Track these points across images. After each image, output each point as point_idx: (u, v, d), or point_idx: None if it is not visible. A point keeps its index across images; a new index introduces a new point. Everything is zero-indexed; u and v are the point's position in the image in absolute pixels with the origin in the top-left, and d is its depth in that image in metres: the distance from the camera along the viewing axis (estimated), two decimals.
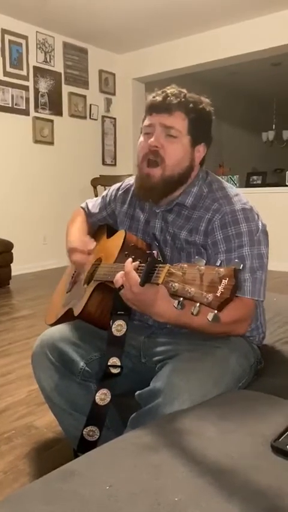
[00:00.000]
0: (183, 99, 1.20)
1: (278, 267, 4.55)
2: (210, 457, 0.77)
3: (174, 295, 0.82)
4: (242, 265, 0.76)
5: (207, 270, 0.77)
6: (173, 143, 1.21)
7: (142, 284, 0.97)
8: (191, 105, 1.21)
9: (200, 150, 1.26)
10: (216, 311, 0.74)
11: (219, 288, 0.74)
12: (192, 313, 0.76)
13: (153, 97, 1.24)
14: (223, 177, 5.42)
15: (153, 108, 1.23)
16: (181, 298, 0.80)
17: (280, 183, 5.87)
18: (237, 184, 5.63)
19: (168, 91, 1.22)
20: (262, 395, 1.03)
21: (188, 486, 0.69)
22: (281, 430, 0.82)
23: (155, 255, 1.13)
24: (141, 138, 1.27)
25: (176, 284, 0.81)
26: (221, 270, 0.75)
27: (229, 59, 5.26)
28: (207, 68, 5.60)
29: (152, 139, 1.21)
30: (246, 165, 7.58)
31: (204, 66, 5.55)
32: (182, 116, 1.20)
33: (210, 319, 0.74)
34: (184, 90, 1.24)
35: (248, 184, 6.16)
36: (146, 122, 1.25)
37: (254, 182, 6.16)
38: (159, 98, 1.22)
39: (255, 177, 6.25)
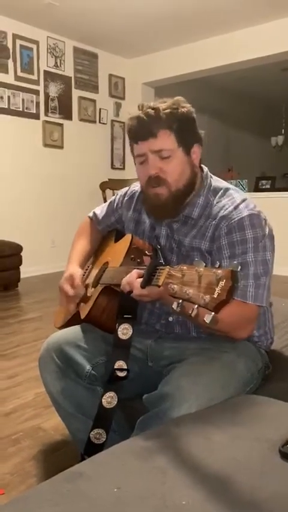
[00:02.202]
0: (161, 115, 1.16)
1: (286, 272, 4.53)
2: (217, 461, 0.77)
3: (173, 296, 0.82)
4: (239, 268, 0.76)
5: (206, 271, 0.77)
6: (170, 163, 1.19)
7: (143, 286, 0.99)
8: (170, 116, 1.17)
9: (196, 152, 1.25)
10: (213, 313, 0.74)
11: (216, 289, 0.73)
12: (190, 315, 0.76)
13: (131, 125, 1.22)
14: (232, 181, 5.41)
15: (137, 137, 1.21)
16: (180, 300, 0.81)
17: None
18: (246, 189, 5.62)
19: (142, 114, 1.18)
20: (270, 400, 1.03)
21: (196, 490, 0.69)
22: None
23: (157, 256, 1.14)
24: (137, 167, 1.26)
25: (175, 286, 0.81)
26: (219, 271, 0.75)
27: (239, 63, 5.26)
28: (216, 72, 5.61)
29: (148, 168, 1.20)
30: (255, 169, 7.56)
31: (214, 71, 5.56)
32: (167, 133, 1.17)
33: (208, 321, 0.74)
34: (157, 104, 1.19)
35: (257, 189, 6.15)
36: (136, 151, 1.24)
37: (263, 187, 6.15)
38: (137, 125, 1.19)
39: (264, 182, 6.24)
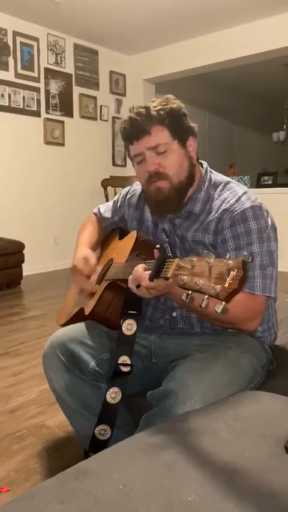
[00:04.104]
0: (151, 113, 1.18)
1: None
2: (223, 457, 0.77)
3: (183, 287, 0.82)
4: (251, 258, 0.76)
5: (216, 262, 0.77)
6: (167, 157, 1.20)
7: (151, 279, 0.98)
8: (161, 112, 1.18)
9: (192, 144, 1.26)
10: (224, 302, 0.74)
11: (228, 279, 0.74)
12: (200, 306, 0.76)
13: (124, 127, 1.24)
14: (234, 177, 5.39)
15: (131, 137, 1.22)
16: (190, 291, 0.81)
17: None
18: (248, 185, 5.60)
19: (133, 114, 1.20)
20: (274, 395, 1.02)
21: (202, 486, 0.69)
22: None
23: (165, 250, 1.14)
24: (136, 168, 1.27)
25: (185, 277, 0.81)
26: (230, 262, 0.75)
27: (240, 59, 5.24)
28: (217, 68, 5.58)
29: (146, 166, 1.21)
30: (257, 165, 7.54)
31: (215, 67, 5.53)
32: (160, 128, 1.19)
33: (219, 311, 0.74)
34: (146, 104, 1.21)
35: (259, 185, 6.13)
36: (133, 152, 1.24)
37: (265, 182, 6.14)
38: (130, 125, 1.21)
39: (266, 178, 6.22)
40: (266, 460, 0.76)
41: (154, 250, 1.04)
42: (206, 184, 1.27)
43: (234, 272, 0.74)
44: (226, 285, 0.74)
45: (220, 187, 1.26)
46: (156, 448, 0.80)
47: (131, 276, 1.08)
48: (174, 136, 1.20)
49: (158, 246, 1.02)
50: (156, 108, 1.19)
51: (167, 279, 0.91)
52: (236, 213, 1.18)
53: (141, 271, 1.04)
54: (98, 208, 1.62)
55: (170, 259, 0.92)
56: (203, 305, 0.76)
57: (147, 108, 1.19)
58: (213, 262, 0.77)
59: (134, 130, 1.21)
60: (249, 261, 0.75)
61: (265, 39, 4.90)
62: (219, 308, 0.75)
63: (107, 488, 0.70)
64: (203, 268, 0.79)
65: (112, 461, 0.79)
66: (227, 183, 1.28)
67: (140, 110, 1.19)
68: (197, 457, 0.76)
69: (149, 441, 0.83)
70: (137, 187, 1.46)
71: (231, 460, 0.75)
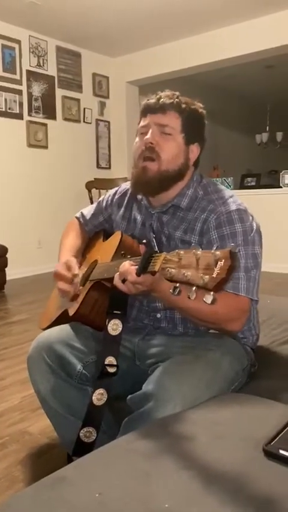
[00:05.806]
0: (176, 100, 1.25)
1: (271, 268, 4.55)
2: (201, 462, 0.76)
3: (170, 280, 0.82)
4: (238, 249, 0.75)
5: (204, 253, 0.77)
6: (168, 140, 1.24)
7: (138, 273, 0.96)
8: (183, 105, 1.25)
9: (194, 150, 1.29)
10: (212, 292, 0.74)
11: (215, 269, 0.73)
12: (189, 297, 0.76)
13: (148, 100, 1.28)
14: (217, 179, 5.42)
15: (147, 110, 1.27)
16: (177, 284, 0.80)
17: (274, 185, 5.88)
18: (232, 186, 5.63)
19: (162, 93, 1.27)
20: (254, 398, 1.02)
21: (179, 492, 0.68)
22: (273, 433, 0.82)
23: (151, 245, 1.12)
24: (137, 139, 1.30)
25: (173, 270, 0.81)
26: (217, 252, 0.74)
27: (223, 61, 5.26)
28: (201, 70, 5.60)
29: (147, 136, 1.24)
30: (241, 167, 7.58)
31: (198, 69, 5.55)
32: (175, 115, 1.24)
33: (208, 302, 0.74)
34: (177, 93, 1.28)
35: (242, 186, 6.17)
36: (141, 123, 1.28)
37: (249, 184, 6.18)
38: (153, 100, 1.26)
39: (249, 179, 6.26)
40: (245, 464, 0.76)
41: (140, 245, 1.03)
42: (195, 183, 1.29)
43: (222, 262, 0.73)
44: (214, 275, 0.73)
45: (208, 188, 1.28)
46: (134, 455, 0.79)
47: (119, 270, 1.07)
48: (184, 131, 1.25)
49: (144, 241, 1.01)
50: (182, 101, 1.26)
51: (154, 273, 0.90)
52: (222, 215, 1.19)
53: (127, 266, 1.03)
54: (81, 212, 1.60)
55: (156, 254, 0.91)
56: (192, 297, 0.76)
57: (176, 95, 1.27)
58: (201, 254, 0.77)
59: (153, 105, 1.26)
60: (236, 251, 0.75)
61: (248, 41, 4.93)
62: (208, 299, 0.74)
63: (83, 496, 0.68)
64: (190, 260, 0.78)
65: (90, 468, 0.78)
66: (215, 185, 1.31)
67: (170, 93, 1.27)
68: (174, 462, 0.75)
69: (127, 447, 0.82)
70: (125, 187, 1.45)
71: (209, 464, 0.75)
